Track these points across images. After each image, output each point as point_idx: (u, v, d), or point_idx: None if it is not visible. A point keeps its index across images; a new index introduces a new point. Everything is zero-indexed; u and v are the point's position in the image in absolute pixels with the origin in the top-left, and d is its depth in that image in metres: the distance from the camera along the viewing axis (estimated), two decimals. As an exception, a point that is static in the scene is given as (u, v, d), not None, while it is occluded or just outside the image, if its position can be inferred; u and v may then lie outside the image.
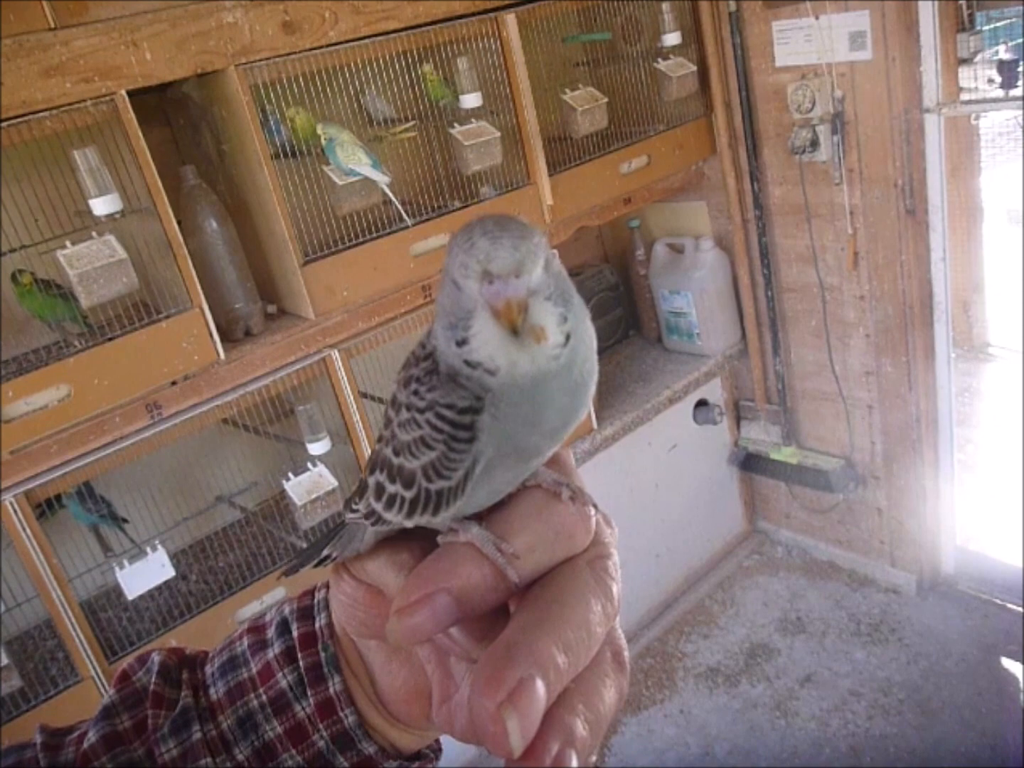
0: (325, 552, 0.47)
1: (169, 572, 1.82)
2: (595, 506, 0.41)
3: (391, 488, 0.41)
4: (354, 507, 0.45)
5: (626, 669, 0.39)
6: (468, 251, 0.36)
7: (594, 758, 0.36)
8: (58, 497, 1.78)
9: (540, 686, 0.33)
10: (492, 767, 2.60)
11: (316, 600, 0.49)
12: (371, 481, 0.43)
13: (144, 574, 1.80)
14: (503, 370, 0.37)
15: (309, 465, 2.00)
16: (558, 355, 0.37)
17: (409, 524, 0.41)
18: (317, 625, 0.48)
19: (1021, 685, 2.50)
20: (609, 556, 0.40)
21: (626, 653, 0.39)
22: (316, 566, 0.49)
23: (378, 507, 0.42)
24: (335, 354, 1.97)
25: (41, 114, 1.54)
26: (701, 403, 3.02)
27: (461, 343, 0.37)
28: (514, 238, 0.36)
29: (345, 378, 1.98)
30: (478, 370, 0.37)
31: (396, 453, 0.41)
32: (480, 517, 0.40)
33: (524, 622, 0.36)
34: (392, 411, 0.42)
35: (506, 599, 0.38)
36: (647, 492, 2.90)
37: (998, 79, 2.55)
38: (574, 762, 0.34)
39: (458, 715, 0.44)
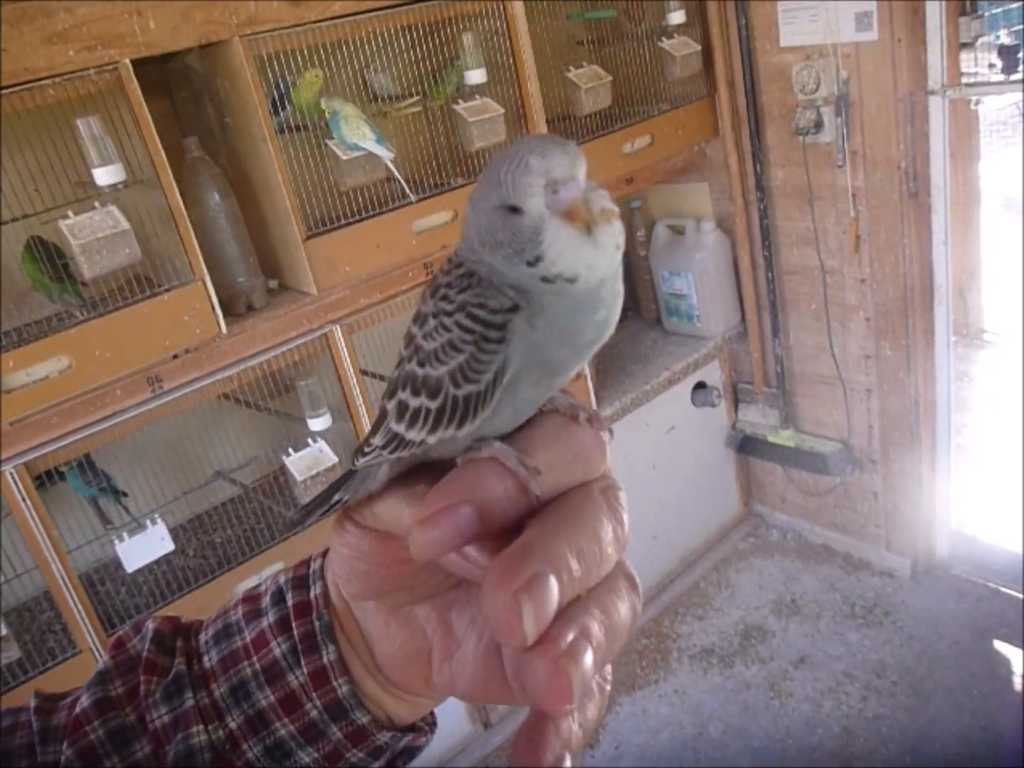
0: (336, 498, 0.46)
1: (168, 546, 1.82)
2: (610, 431, 0.41)
3: (415, 402, 0.41)
4: (367, 449, 0.44)
5: (639, 591, 0.39)
6: (525, 171, 0.36)
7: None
8: (58, 469, 1.77)
9: (553, 582, 0.34)
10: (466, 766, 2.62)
11: (312, 570, 0.49)
12: (390, 405, 0.42)
13: (143, 547, 1.79)
14: (582, 275, 0.37)
15: (309, 441, 1.99)
16: (620, 244, 0.38)
17: (432, 440, 0.41)
18: (312, 594, 0.48)
19: (1013, 668, 2.52)
20: (619, 488, 0.40)
21: (638, 579, 0.39)
22: (326, 513, 0.48)
23: (399, 428, 0.42)
24: (336, 330, 1.96)
25: (44, 82, 1.52)
26: (699, 385, 3.03)
27: (535, 262, 0.37)
28: (559, 144, 0.37)
29: (346, 354, 1.97)
30: (558, 283, 0.37)
31: (421, 364, 0.41)
32: (501, 438, 0.40)
33: (539, 529, 0.36)
34: (415, 327, 0.41)
35: (525, 514, 0.38)
36: (644, 473, 2.91)
37: (999, 64, 2.54)
38: (588, 653, 0.34)
39: (460, 673, 0.44)
